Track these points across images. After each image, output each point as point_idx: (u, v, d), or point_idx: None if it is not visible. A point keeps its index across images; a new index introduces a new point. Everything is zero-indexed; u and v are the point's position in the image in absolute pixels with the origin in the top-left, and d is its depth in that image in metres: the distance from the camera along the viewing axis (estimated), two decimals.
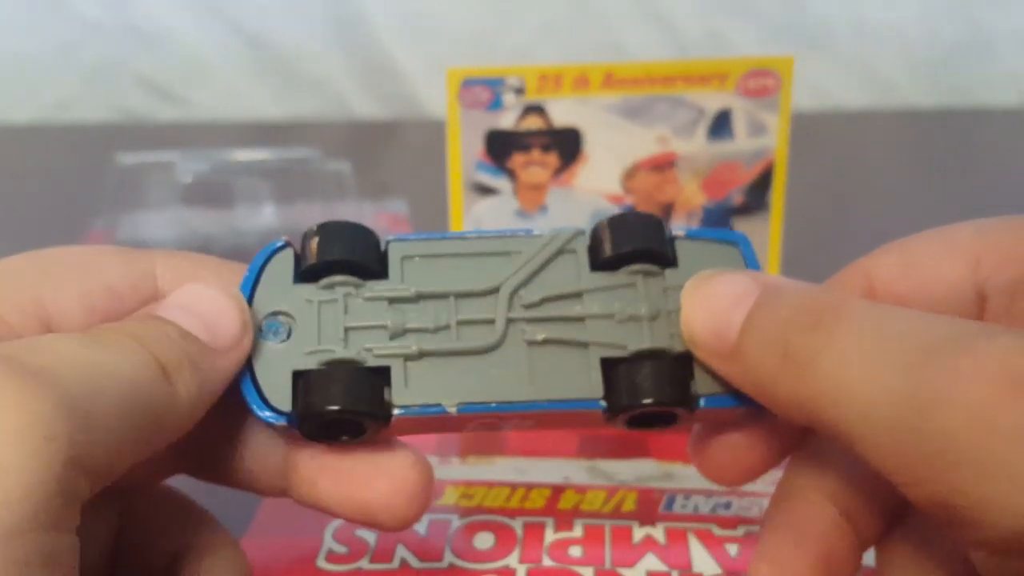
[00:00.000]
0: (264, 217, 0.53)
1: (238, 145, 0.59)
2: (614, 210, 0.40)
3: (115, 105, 0.83)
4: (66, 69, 0.82)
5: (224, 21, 0.81)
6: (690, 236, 0.24)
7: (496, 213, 0.40)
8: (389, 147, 0.79)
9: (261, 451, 0.23)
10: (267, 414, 0.22)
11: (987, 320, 0.22)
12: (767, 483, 0.32)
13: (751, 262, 0.24)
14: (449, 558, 0.28)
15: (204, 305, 0.22)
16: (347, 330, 0.23)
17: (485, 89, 0.38)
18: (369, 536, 0.29)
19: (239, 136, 0.76)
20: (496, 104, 0.38)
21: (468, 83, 0.38)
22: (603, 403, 0.22)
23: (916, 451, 0.18)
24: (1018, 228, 0.22)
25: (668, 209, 0.41)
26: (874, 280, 0.24)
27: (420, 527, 0.30)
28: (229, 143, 0.61)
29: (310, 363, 0.22)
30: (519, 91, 0.38)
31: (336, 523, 0.30)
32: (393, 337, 0.23)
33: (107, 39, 0.81)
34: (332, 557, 0.28)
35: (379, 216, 0.58)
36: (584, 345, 0.23)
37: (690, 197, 0.40)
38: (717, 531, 0.30)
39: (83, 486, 0.18)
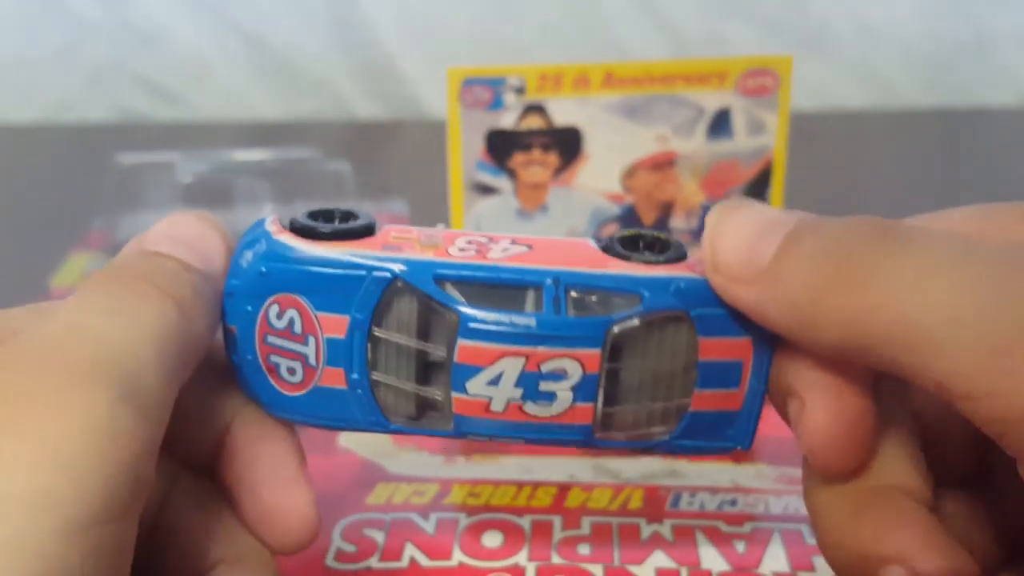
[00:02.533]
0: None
1: (238, 145, 0.59)
2: (614, 209, 0.40)
3: (115, 105, 0.83)
4: (66, 69, 0.82)
5: (224, 21, 0.81)
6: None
7: (497, 213, 0.40)
8: (389, 147, 0.79)
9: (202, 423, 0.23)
10: None
11: None
12: (772, 480, 0.32)
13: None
14: (458, 556, 0.29)
15: (191, 232, 0.23)
16: None
17: (486, 89, 0.38)
18: (377, 535, 0.29)
19: (239, 136, 0.76)
20: (497, 104, 0.38)
21: (469, 83, 0.38)
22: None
23: (1007, 365, 0.17)
24: (1020, 210, 0.22)
25: (668, 208, 0.41)
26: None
27: (428, 526, 0.30)
28: (229, 143, 0.61)
29: None
30: (520, 91, 0.38)
31: (344, 522, 0.30)
32: None
33: (107, 39, 0.81)
34: (341, 556, 0.28)
35: (379, 216, 0.58)
36: None
37: (689, 196, 0.40)
38: (724, 528, 0.30)
39: (148, 468, 0.18)
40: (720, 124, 0.40)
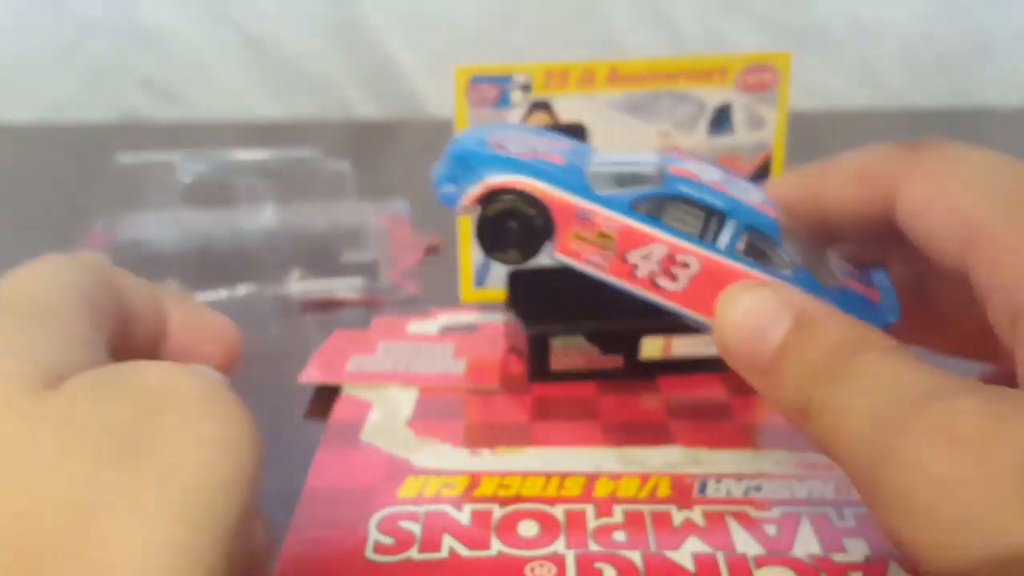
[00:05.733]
0: (264, 217, 0.53)
1: (238, 145, 0.59)
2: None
3: (115, 105, 0.83)
4: (67, 69, 0.82)
5: (224, 21, 0.81)
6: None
7: None
8: (389, 147, 0.79)
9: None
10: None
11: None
12: (794, 466, 0.32)
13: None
14: (497, 546, 0.28)
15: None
16: None
17: (492, 86, 0.38)
18: (414, 527, 0.29)
19: (239, 136, 0.76)
20: (503, 101, 0.38)
21: (476, 80, 0.38)
22: None
23: (876, 506, 0.19)
24: (1014, 216, 0.22)
25: None
26: (900, 193, 0.24)
27: (463, 517, 0.30)
28: (229, 143, 0.61)
29: None
30: (526, 88, 0.38)
31: (380, 514, 0.30)
32: None
33: (108, 40, 0.81)
34: (380, 548, 0.28)
35: (379, 216, 0.58)
36: None
37: None
38: (753, 512, 0.30)
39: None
40: (721, 119, 0.40)
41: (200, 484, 0.18)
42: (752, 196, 0.25)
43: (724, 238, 0.24)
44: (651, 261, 0.24)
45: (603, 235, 0.24)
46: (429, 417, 0.36)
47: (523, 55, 0.80)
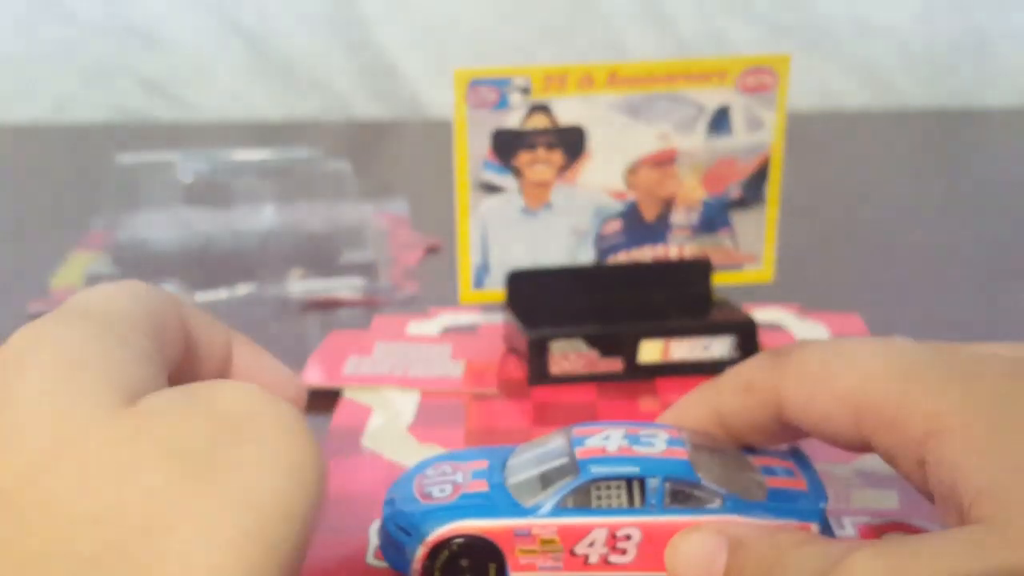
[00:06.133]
0: (264, 217, 0.53)
1: (238, 145, 0.59)
2: (617, 206, 0.40)
3: (115, 105, 0.83)
4: (66, 69, 0.82)
5: (224, 21, 0.81)
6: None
7: (502, 211, 0.40)
8: (389, 147, 0.79)
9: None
10: None
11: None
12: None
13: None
14: None
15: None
16: None
17: (492, 89, 0.38)
18: None
19: (239, 136, 0.76)
20: (502, 104, 0.38)
21: (475, 83, 0.38)
22: None
23: None
24: (894, 385, 0.24)
25: (669, 204, 0.41)
26: (784, 397, 0.27)
27: None
28: (229, 143, 0.61)
29: None
30: (525, 91, 0.38)
31: (379, 521, 0.30)
32: None
33: (107, 39, 0.81)
34: (380, 554, 0.28)
35: (379, 216, 0.58)
36: None
37: (690, 192, 0.41)
38: None
39: None
40: (720, 121, 0.40)
41: (270, 510, 0.19)
42: (660, 442, 0.27)
43: (650, 499, 0.26)
44: (598, 545, 0.26)
45: (546, 542, 0.26)
46: (430, 423, 0.36)
47: (523, 56, 0.80)
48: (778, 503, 0.26)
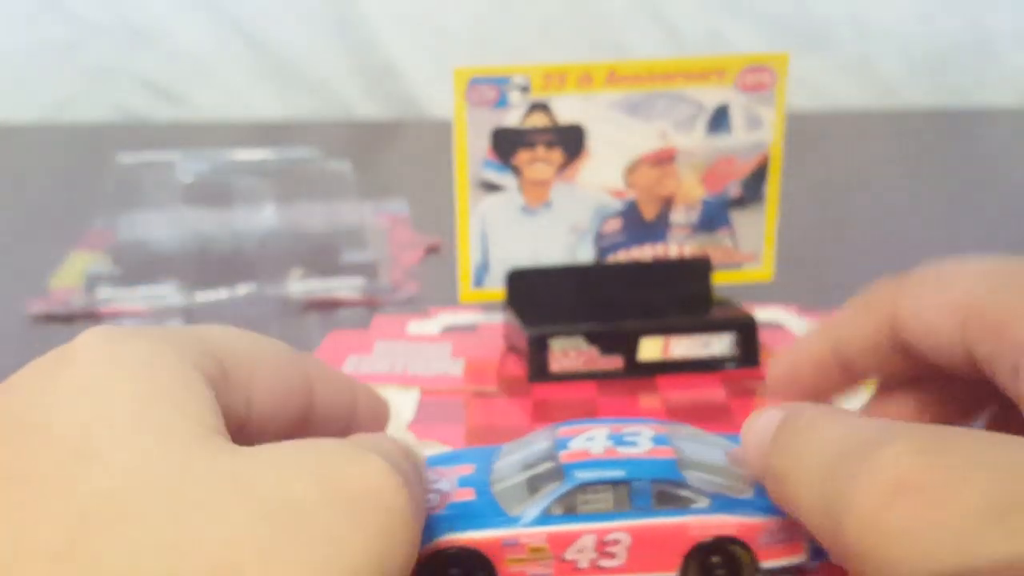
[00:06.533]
0: (264, 217, 0.53)
1: (238, 145, 0.59)
2: (616, 205, 0.40)
3: (115, 105, 0.83)
4: (66, 69, 0.82)
5: (224, 21, 0.81)
6: None
7: (501, 210, 0.40)
8: (389, 147, 0.79)
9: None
10: None
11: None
12: None
13: None
14: None
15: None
16: None
17: (491, 88, 0.38)
18: None
19: (239, 136, 0.76)
20: (502, 102, 0.38)
21: (475, 82, 0.38)
22: None
23: (838, 553, 0.21)
24: (1001, 292, 0.24)
25: (668, 202, 0.41)
26: (899, 308, 0.27)
27: None
28: (229, 143, 0.61)
29: None
30: (525, 89, 0.38)
31: None
32: None
33: (107, 39, 0.81)
34: None
35: (379, 216, 0.58)
36: None
37: (689, 190, 0.41)
38: None
39: None
40: (719, 120, 0.40)
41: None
42: (644, 440, 0.27)
43: (637, 502, 0.26)
44: (587, 551, 0.26)
45: (535, 550, 0.26)
46: (430, 420, 0.36)
47: (523, 55, 0.80)
48: (765, 498, 0.26)
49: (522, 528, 0.26)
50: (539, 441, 0.28)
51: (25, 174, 0.73)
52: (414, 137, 0.80)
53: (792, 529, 0.26)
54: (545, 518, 0.26)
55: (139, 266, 0.49)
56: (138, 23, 0.81)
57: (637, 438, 0.27)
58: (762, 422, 0.25)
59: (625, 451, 0.26)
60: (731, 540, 0.26)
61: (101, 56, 0.82)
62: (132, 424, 0.19)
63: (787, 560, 0.26)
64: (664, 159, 0.40)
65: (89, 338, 0.21)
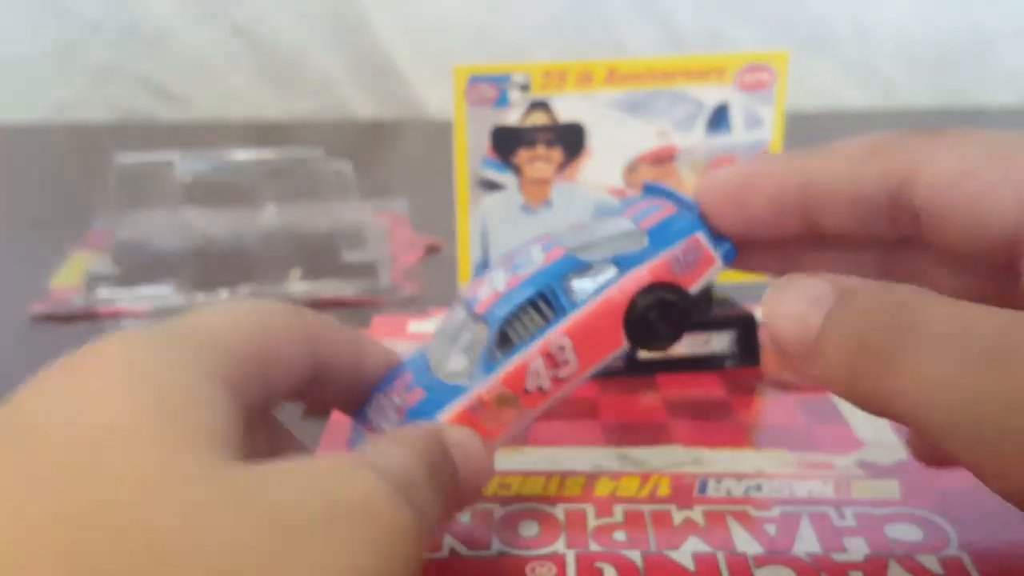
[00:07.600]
0: (264, 217, 0.53)
1: (238, 145, 0.59)
2: (616, 204, 0.40)
3: (115, 105, 0.83)
4: (67, 70, 0.82)
5: (224, 21, 0.81)
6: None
7: (501, 208, 0.40)
8: (389, 147, 0.79)
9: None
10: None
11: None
12: (794, 466, 0.32)
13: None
14: (497, 546, 0.29)
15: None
16: None
17: (491, 86, 0.38)
18: None
19: (239, 136, 0.76)
20: (502, 101, 0.38)
21: (474, 80, 0.38)
22: None
23: (1004, 448, 0.19)
24: None
25: None
26: (921, 173, 0.23)
27: (464, 517, 0.30)
28: (229, 143, 0.61)
29: None
30: (525, 88, 0.38)
31: None
32: None
33: (108, 40, 0.81)
34: None
35: (379, 216, 0.58)
36: None
37: (689, 189, 0.41)
38: (753, 512, 0.30)
39: None
40: (719, 119, 0.40)
41: None
42: (537, 253, 0.27)
43: (558, 304, 0.26)
44: (542, 372, 0.26)
45: (499, 399, 0.26)
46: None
47: (523, 55, 0.80)
48: (660, 237, 0.27)
49: (478, 388, 0.26)
50: (454, 313, 0.28)
51: (26, 174, 0.73)
52: (414, 137, 0.80)
53: (694, 245, 0.27)
54: (491, 366, 0.26)
55: (139, 266, 0.49)
56: (138, 23, 0.81)
57: (529, 256, 0.28)
58: (796, 304, 0.22)
59: (524, 272, 0.27)
60: (650, 288, 0.26)
61: (101, 56, 0.82)
62: (140, 436, 0.19)
63: (707, 275, 0.27)
64: (664, 158, 0.40)
65: (108, 345, 0.21)
